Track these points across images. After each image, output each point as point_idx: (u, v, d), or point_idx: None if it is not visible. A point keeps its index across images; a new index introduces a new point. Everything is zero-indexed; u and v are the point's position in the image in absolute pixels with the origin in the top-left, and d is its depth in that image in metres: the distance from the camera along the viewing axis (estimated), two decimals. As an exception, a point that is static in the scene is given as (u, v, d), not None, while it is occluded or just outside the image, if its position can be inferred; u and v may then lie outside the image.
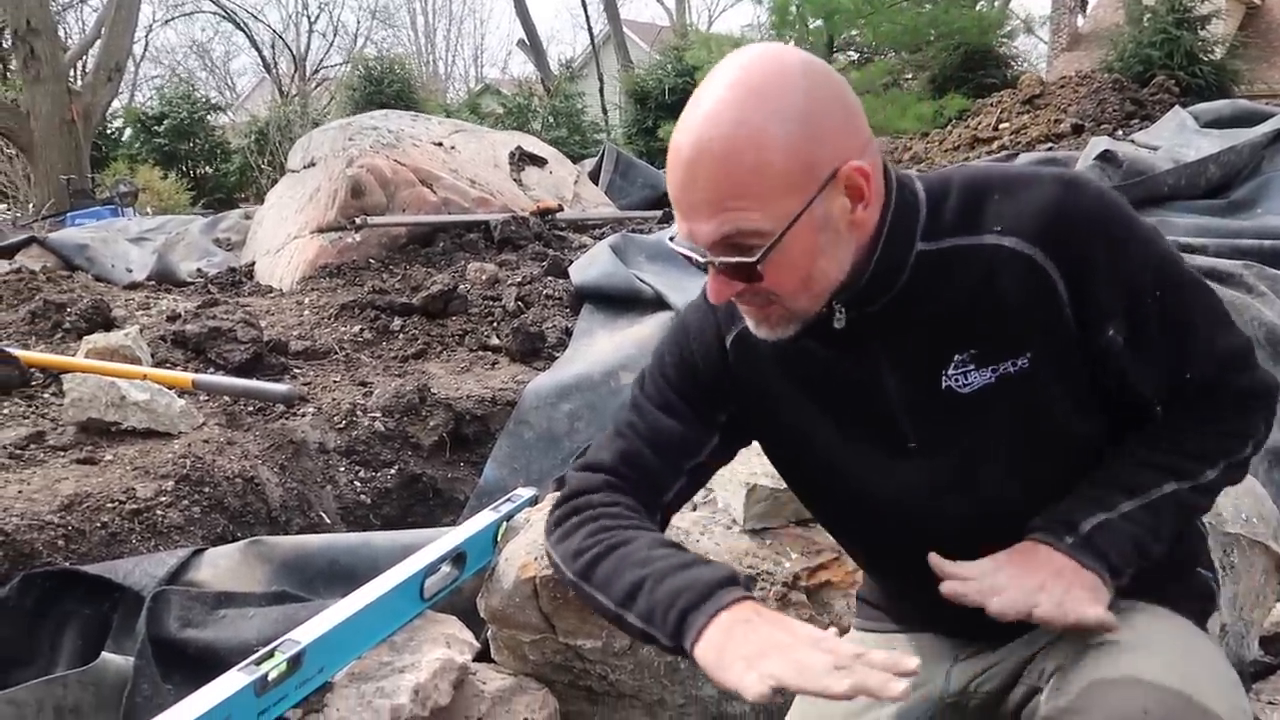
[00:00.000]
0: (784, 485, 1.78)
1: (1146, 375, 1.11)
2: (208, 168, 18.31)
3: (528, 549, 1.73)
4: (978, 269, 1.08)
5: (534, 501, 1.91)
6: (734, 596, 1.04)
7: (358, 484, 2.33)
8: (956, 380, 1.11)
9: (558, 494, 1.32)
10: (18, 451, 2.10)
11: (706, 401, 1.26)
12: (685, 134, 1.02)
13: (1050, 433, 1.12)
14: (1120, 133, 6.28)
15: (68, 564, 1.77)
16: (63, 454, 2.12)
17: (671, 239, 1.14)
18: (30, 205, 12.89)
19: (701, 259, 1.05)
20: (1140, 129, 6.15)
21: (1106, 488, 1.12)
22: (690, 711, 1.76)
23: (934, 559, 1.13)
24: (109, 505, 1.92)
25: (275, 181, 5.83)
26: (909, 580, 1.19)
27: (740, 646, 0.99)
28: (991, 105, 8.47)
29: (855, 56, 16.52)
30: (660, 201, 6.31)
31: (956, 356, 1.10)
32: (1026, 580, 1.07)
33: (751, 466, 1.84)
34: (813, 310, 1.09)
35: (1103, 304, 1.06)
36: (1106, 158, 3.92)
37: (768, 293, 1.06)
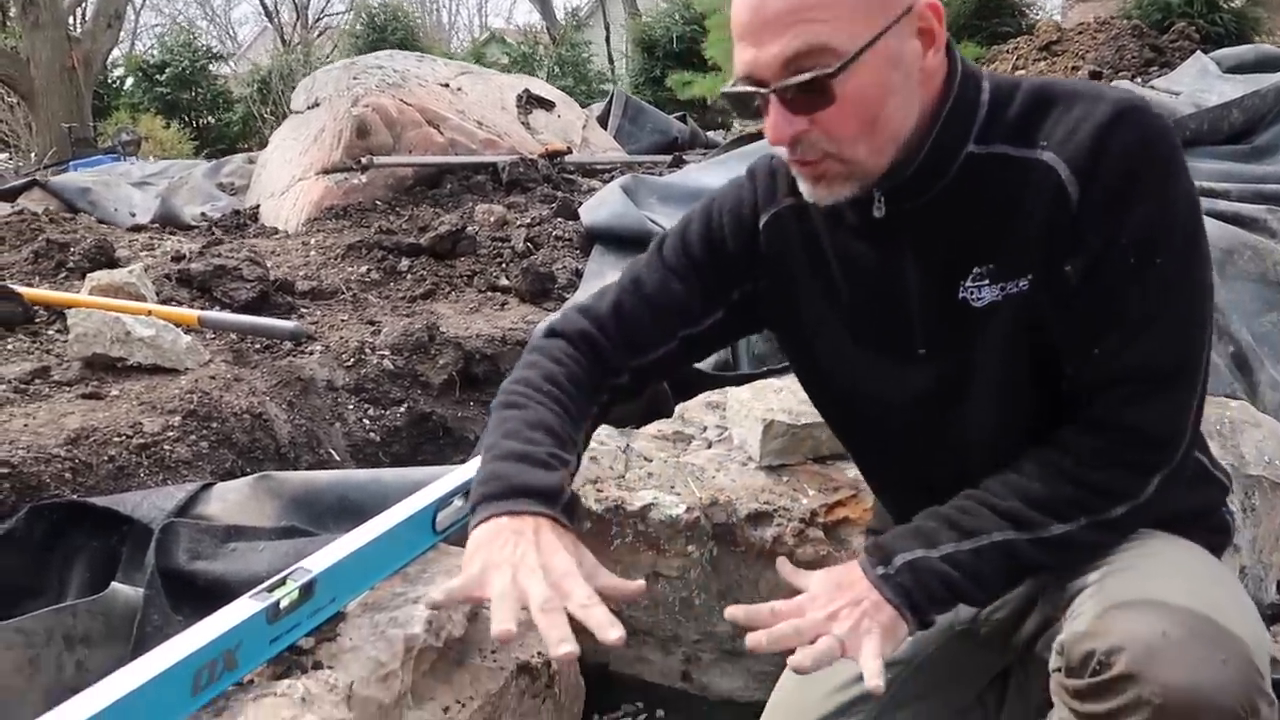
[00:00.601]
0: (801, 421, 1.76)
1: (1065, 332, 1.05)
2: (210, 117, 18.11)
3: (541, 483, 1.71)
4: (1015, 182, 1.04)
5: (546, 437, 1.88)
6: (529, 508, 1.05)
7: (367, 422, 2.31)
8: (971, 293, 1.08)
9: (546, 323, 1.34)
10: (22, 386, 2.07)
11: (723, 276, 1.25)
12: None
13: (1037, 364, 1.08)
14: (1139, 79, 6.15)
15: (75, 497, 1.75)
16: (68, 389, 2.09)
17: (724, 93, 1.08)
18: (32, 154, 12.79)
19: (764, 90, 1.00)
20: (1160, 76, 6.03)
21: (940, 522, 1.08)
22: (705, 648, 1.74)
23: (780, 566, 1.16)
24: (116, 439, 1.89)
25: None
26: (910, 497, 1.18)
27: (492, 551, 1.02)
28: (1008, 52, 8.29)
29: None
30: (670, 147, 6.22)
31: (975, 269, 1.07)
32: (827, 606, 1.04)
33: (768, 402, 1.81)
34: (872, 167, 1.05)
35: (1084, 234, 1.01)
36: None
37: (829, 137, 1.02)
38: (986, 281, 1.07)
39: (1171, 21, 8.81)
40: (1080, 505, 1.04)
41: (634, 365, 1.26)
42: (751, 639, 1.02)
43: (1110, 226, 1.00)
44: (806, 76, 0.97)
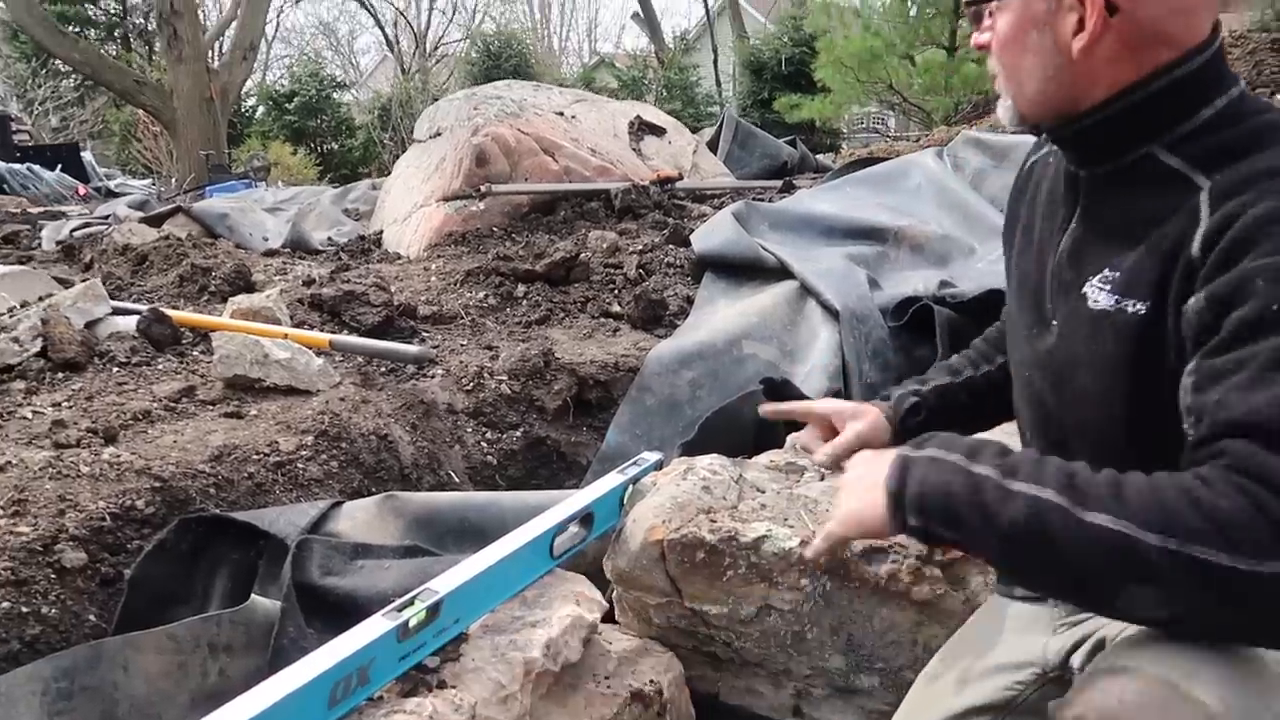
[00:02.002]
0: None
1: (1194, 374, 0.94)
2: (334, 143, 18.95)
3: (655, 512, 1.73)
4: (1173, 204, 1.01)
5: (660, 466, 1.91)
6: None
7: (484, 445, 2.38)
8: (1091, 291, 1.07)
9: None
10: (172, 404, 2.22)
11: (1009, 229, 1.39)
12: None
13: (1139, 392, 1.03)
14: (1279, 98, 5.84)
15: (219, 510, 1.86)
16: (212, 408, 2.23)
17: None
18: (173, 179, 13.61)
19: (971, 5, 1.15)
20: (1302, 92, 5.71)
21: (1000, 451, 0.99)
22: (816, 683, 1.73)
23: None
24: (254, 457, 2.01)
25: (397, 156, 6.00)
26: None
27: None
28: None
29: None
30: (779, 172, 6.21)
31: (1105, 271, 1.06)
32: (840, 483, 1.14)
33: (884, 436, 1.79)
34: (1025, 112, 1.13)
35: (1212, 272, 0.94)
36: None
37: (995, 61, 1.13)
38: (1108, 288, 1.05)
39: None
40: (1171, 518, 0.83)
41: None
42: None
43: (1235, 271, 0.92)
44: (978, 4, 1.13)
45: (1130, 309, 1.01)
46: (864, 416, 1.46)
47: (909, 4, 10.71)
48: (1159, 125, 1.05)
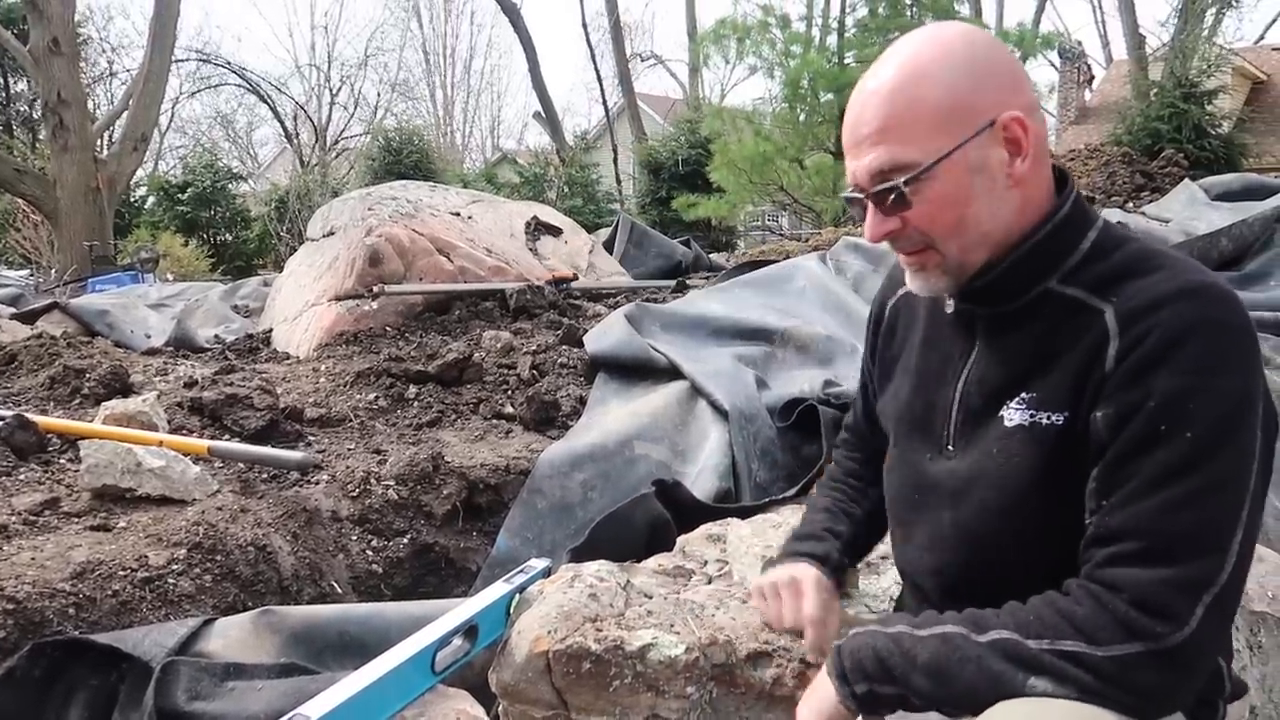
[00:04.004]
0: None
1: (1090, 478, 1.08)
2: (228, 235, 18.62)
3: (541, 621, 1.71)
4: (1078, 327, 1.11)
5: (547, 573, 1.89)
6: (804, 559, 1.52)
7: (370, 553, 2.32)
8: (1009, 413, 1.16)
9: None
10: (32, 518, 2.10)
11: (872, 365, 1.50)
12: (860, 81, 1.17)
13: (1043, 495, 1.14)
14: (1131, 205, 6.33)
15: (77, 633, 1.75)
16: (77, 520, 2.12)
17: (842, 196, 1.29)
18: (53, 270, 13.11)
19: (860, 196, 1.17)
20: (1150, 201, 6.21)
21: (895, 616, 1.25)
22: (706, 793, 1.71)
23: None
24: (121, 573, 1.91)
25: (294, 249, 5.95)
26: (924, 583, 1.32)
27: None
28: (1002, 178, 8.51)
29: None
30: (674, 271, 6.37)
31: (1022, 394, 1.16)
32: None
33: (767, 539, 1.83)
34: (966, 263, 1.17)
35: (1115, 388, 1.06)
36: (1118, 230, 3.94)
37: (921, 234, 1.16)
38: (1023, 407, 1.15)
39: (1161, 148, 9.11)
40: (1045, 625, 1.04)
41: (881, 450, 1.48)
42: None
43: (1140, 388, 1.03)
44: (885, 186, 1.14)
45: (1046, 421, 1.13)
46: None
47: (798, 111, 11.27)
48: (1053, 262, 1.16)
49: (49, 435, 2.59)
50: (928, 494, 1.28)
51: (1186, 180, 6.06)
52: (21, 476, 2.37)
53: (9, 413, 2.62)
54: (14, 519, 2.08)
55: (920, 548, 1.30)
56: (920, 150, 1.11)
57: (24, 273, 14.34)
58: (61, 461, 2.49)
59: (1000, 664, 1.04)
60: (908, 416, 1.33)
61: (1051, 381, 1.13)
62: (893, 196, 1.13)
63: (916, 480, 1.30)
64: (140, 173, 20.42)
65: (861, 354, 1.55)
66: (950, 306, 1.24)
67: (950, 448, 1.24)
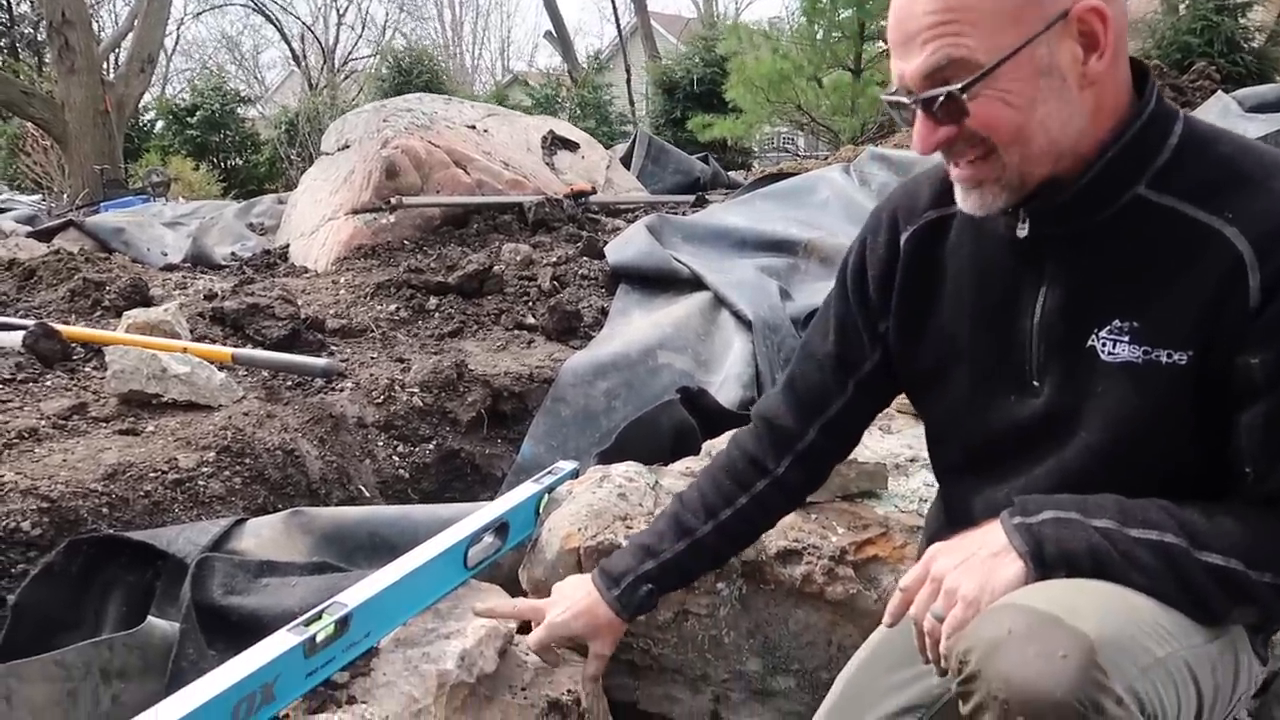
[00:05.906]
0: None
1: (1244, 426, 0.99)
2: (238, 159, 18.42)
3: (571, 520, 1.71)
4: (1186, 245, 0.99)
5: (575, 475, 1.89)
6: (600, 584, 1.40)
7: (396, 459, 2.33)
8: (1104, 345, 1.04)
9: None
10: (61, 422, 2.11)
11: (871, 310, 1.27)
12: None
13: (1165, 439, 1.04)
14: (1161, 118, 6.15)
15: (112, 531, 1.77)
16: (105, 425, 2.13)
17: (883, 99, 1.10)
18: (65, 195, 13.04)
19: (908, 101, 1.02)
20: (1182, 114, 6.03)
21: (1094, 502, 1.01)
22: (734, 687, 1.73)
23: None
24: (151, 475, 1.92)
25: (304, 172, 5.87)
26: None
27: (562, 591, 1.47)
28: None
29: (885, 46, 16.38)
30: (692, 187, 6.28)
31: (1116, 321, 1.03)
32: (951, 557, 1.02)
33: (797, 439, 1.81)
34: (1029, 176, 1.03)
35: (1266, 330, 0.96)
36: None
37: (981, 140, 1.01)
38: (1127, 339, 1.03)
39: (1192, 61, 8.82)
40: (1250, 552, 0.97)
41: (820, 423, 1.35)
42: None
43: None
44: (939, 90, 0.99)
45: (1165, 360, 1.00)
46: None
47: (816, 28, 10.96)
48: (1139, 166, 1.02)
49: (73, 344, 2.59)
50: (1012, 437, 1.14)
51: (1220, 92, 5.88)
52: (48, 383, 2.37)
53: (31, 322, 2.62)
54: (43, 423, 2.09)
55: (1005, 491, 1.16)
56: (982, 48, 0.96)
57: (35, 198, 14.28)
58: (87, 370, 2.50)
59: (1217, 590, 0.96)
60: (976, 358, 1.17)
61: (1163, 312, 1.00)
62: (949, 102, 0.99)
63: (999, 423, 1.16)
64: (148, 96, 20.13)
65: (833, 302, 1.34)
66: (1023, 230, 1.07)
67: (1036, 384, 1.11)
